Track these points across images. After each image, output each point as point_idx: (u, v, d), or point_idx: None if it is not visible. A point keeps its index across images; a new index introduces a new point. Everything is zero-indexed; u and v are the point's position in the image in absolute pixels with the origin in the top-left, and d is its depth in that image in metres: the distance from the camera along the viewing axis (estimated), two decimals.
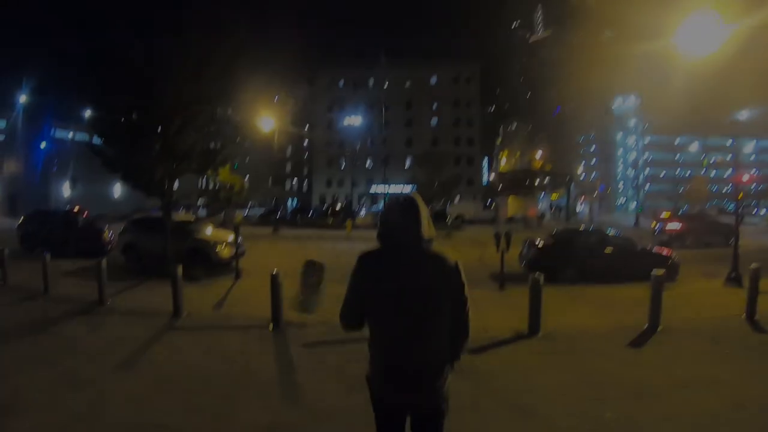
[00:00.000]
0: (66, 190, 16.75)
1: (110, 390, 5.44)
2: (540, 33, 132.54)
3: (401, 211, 2.61)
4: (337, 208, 47.58)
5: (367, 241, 2.76)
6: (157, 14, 12.58)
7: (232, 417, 4.81)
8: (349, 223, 33.01)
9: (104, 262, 10.17)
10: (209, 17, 12.70)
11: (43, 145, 43.86)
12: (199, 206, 50.30)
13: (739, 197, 15.92)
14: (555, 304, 9.48)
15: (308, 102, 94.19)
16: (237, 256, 13.94)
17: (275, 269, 8.44)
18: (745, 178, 13.50)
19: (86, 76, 13.36)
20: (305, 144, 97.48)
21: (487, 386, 5.63)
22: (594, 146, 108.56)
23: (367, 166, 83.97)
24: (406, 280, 2.51)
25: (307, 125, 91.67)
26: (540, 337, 7.62)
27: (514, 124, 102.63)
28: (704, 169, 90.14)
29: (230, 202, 37.97)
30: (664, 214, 28.84)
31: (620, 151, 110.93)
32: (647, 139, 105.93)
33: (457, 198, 50.24)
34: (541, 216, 49.88)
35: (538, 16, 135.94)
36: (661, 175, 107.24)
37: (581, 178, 67.43)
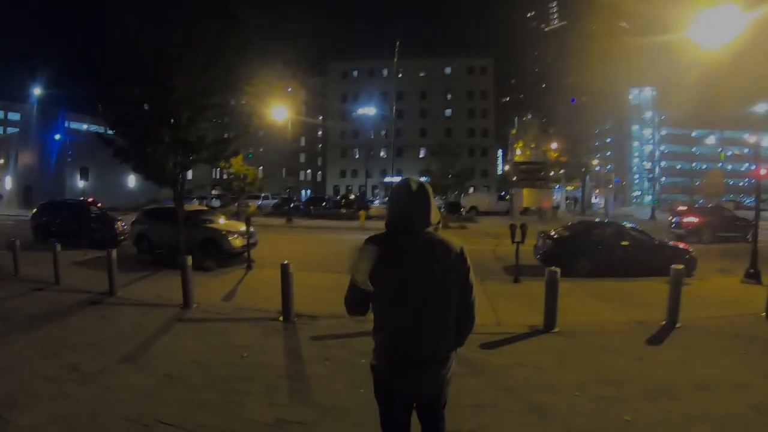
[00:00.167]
0: (80, 181, 16.77)
1: (116, 384, 5.35)
2: (555, 24, 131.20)
3: (408, 196, 2.62)
4: (351, 198, 47.53)
5: (381, 231, 2.65)
6: (167, 3, 12.45)
7: (239, 413, 4.70)
8: (362, 213, 32.80)
9: (114, 252, 10.11)
10: (220, 6, 12.57)
11: (57, 136, 43.99)
12: (213, 197, 50.37)
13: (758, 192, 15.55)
14: (571, 299, 9.33)
15: (322, 93, 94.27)
16: (249, 246, 13.86)
17: (286, 260, 8.33)
18: (764, 171, 13.12)
19: (97, 67, 13.28)
20: (319, 134, 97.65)
21: (502, 384, 5.47)
22: (609, 138, 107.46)
23: (381, 156, 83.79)
24: (413, 265, 2.52)
25: (321, 116, 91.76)
26: (556, 332, 7.44)
27: (529, 115, 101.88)
28: (721, 163, 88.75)
29: (243, 192, 37.91)
30: (682, 208, 28.41)
31: (636, 144, 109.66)
32: (663, 132, 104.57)
33: (471, 189, 49.91)
34: (556, 207, 49.46)
35: (553, 6, 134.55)
36: (678, 167, 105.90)
37: (596, 170, 66.62)
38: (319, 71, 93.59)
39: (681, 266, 8.06)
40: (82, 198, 18.02)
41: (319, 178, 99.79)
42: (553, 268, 7.83)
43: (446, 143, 38.01)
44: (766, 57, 14.80)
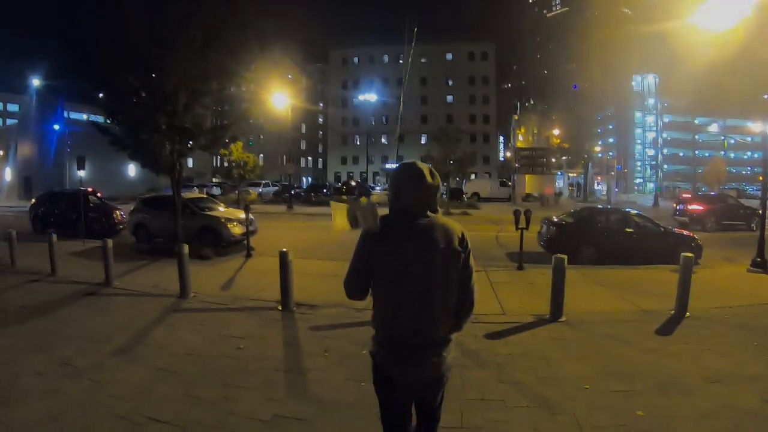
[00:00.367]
0: (80, 171, 16.63)
1: (108, 378, 5.17)
2: (557, 9, 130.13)
3: (413, 178, 2.58)
4: (353, 185, 47.34)
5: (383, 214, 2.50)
6: None
7: (234, 408, 4.52)
8: (363, 200, 32.64)
9: (110, 242, 9.88)
10: None
11: (56, 127, 43.64)
12: (213, 185, 50.15)
13: (761, 179, 15.32)
14: (577, 286, 9.14)
15: (322, 79, 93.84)
16: (248, 234, 13.65)
17: (285, 248, 8.13)
18: None
19: (91, 54, 13.00)
20: (320, 121, 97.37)
21: (508, 376, 5.27)
22: (611, 125, 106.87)
23: (382, 142, 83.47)
24: (414, 248, 2.49)
25: (322, 103, 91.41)
26: (563, 321, 7.25)
27: (531, 102, 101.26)
28: (724, 151, 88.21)
29: (243, 180, 37.65)
30: (686, 195, 28.18)
31: (638, 131, 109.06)
32: (666, 119, 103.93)
33: (473, 176, 49.67)
34: (558, 194, 49.28)
35: None
36: (681, 155, 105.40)
37: (598, 156, 66.31)
38: (320, 57, 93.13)
39: (691, 254, 7.85)
40: (81, 188, 17.70)
41: (320, 165, 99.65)
42: (560, 255, 7.62)
43: (447, 129, 37.85)
44: None
